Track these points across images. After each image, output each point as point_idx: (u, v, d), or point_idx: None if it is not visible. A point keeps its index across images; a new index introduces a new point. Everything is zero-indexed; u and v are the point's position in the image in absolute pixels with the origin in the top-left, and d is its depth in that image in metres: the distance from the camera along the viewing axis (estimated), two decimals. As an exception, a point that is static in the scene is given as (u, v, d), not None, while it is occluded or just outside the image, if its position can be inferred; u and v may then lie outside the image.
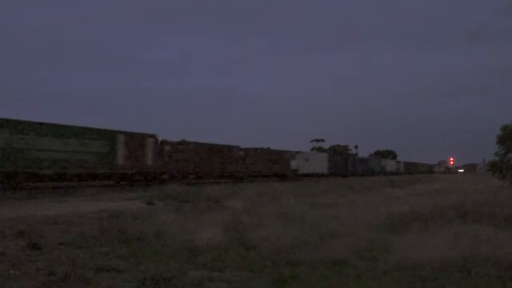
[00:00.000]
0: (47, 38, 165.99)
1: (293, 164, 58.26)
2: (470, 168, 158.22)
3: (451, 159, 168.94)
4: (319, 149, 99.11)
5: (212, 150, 43.27)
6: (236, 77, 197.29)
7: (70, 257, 8.27)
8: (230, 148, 46.32)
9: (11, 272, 7.33)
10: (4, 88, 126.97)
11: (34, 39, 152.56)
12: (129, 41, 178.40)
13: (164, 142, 37.73)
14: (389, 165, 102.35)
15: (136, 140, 34.09)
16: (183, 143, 39.53)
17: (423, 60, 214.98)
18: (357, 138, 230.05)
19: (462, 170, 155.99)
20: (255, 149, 51.02)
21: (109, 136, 31.65)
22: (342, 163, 72.67)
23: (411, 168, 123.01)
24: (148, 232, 10.58)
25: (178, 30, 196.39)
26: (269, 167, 52.52)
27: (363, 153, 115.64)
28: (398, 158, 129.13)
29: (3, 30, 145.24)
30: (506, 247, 8.21)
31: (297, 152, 60.48)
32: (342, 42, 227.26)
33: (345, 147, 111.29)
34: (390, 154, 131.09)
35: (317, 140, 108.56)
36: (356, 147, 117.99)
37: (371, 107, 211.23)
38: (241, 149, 48.07)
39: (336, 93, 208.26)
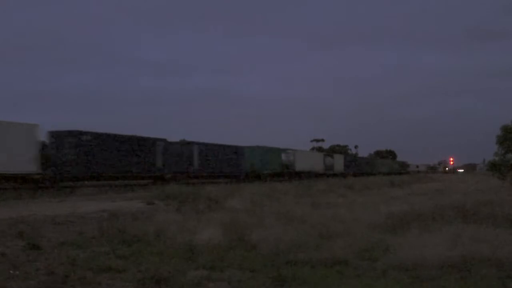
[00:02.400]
0: (47, 38, 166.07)
1: None
2: (470, 168, 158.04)
3: (451, 159, 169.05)
4: (319, 149, 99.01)
5: None
6: (236, 77, 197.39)
7: (70, 257, 8.29)
8: None
9: (11, 272, 7.33)
10: (4, 88, 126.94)
11: (34, 39, 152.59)
12: (129, 41, 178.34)
13: None
14: (309, 161, 60.00)
15: None
16: None
17: (423, 60, 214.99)
18: (357, 138, 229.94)
19: (462, 170, 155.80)
20: None
21: None
22: (146, 154, 34.26)
23: (368, 167, 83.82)
24: (148, 232, 10.59)
25: (178, 29, 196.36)
26: None
27: (363, 153, 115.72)
28: (398, 158, 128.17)
29: (3, 30, 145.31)
30: (506, 247, 8.20)
31: None
32: (342, 42, 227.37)
33: (345, 147, 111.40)
34: (390, 154, 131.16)
35: (317, 140, 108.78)
36: (356, 147, 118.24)
37: (371, 107, 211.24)
38: None
39: (336, 93, 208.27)
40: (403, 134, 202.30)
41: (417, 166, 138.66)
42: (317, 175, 57.74)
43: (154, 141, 35.07)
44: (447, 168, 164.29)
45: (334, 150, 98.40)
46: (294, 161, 55.61)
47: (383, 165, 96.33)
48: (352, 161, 79.53)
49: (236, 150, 45.63)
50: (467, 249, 8.10)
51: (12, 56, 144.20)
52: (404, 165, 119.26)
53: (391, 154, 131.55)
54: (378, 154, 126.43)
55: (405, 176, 76.58)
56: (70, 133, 28.96)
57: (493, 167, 35.70)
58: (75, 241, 10.22)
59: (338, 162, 70.77)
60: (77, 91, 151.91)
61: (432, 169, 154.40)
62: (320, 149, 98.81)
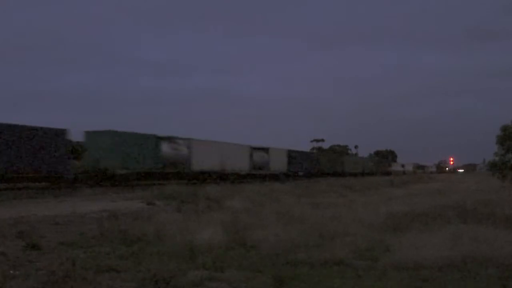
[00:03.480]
0: (47, 38, 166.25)
1: None
2: (470, 168, 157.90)
3: (451, 159, 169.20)
4: (319, 149, 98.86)
5: None
6: (236, 77, 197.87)
7: (70, 257, 8.27)
8: None
9: (11, 272, 7.33)
10: (4, 88, 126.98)
11: (34, 39, 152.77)
12: (129, 41, 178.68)
13: None
14: (219, 155, 40.59)
15: None
16: None
17: (423, 60, 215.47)
18: (357, 138, 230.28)
19: (462, 170, 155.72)
20: None
21: None
22: None
23: (329, 166, 65.30)
24: (148, 232, 10.59)
25: (178, 29, 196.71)
26: None
27: (363, 153, 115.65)
28: (398, 159, 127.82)
29: (3, 30, 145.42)
30: (506, 247, 8.21)
31: None
32: (342, 42, 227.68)
33: (345, 147, 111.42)
34: (390, 154, 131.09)
35: (317, 140, 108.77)
36: (356, 147, 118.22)
37: (371, 107, 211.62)
38: None
39: (336, 93, 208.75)
40: (403, 134, 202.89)
41: (403, 166, 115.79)
42: (239, 177, 42.02)
43: None
44: (447, 168, 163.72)
45: (334, 150, 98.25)
46: (189, 155, 36.89)
47: (354, 164, 77.97)
48: (303, 158, 59.66)
49: (63, 136, 26.50)
50: (467, 249, 8.10)
51: (12, 56, 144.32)
52: (383, 163, 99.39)
53: (391, 154, 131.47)
54: (378, 154, 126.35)
55: (397, 177, 65.27)
56: None
57: (493, 167, 35.74)
58: (75, 241, 10.22)
59: (277, 159, 51.40)
60: (77, 91, 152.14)
61: (421, 168, 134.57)
62: (320, 149, 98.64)
